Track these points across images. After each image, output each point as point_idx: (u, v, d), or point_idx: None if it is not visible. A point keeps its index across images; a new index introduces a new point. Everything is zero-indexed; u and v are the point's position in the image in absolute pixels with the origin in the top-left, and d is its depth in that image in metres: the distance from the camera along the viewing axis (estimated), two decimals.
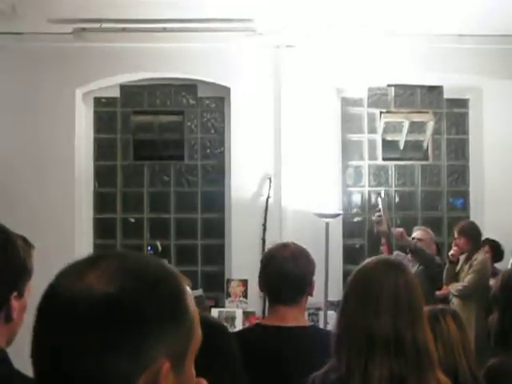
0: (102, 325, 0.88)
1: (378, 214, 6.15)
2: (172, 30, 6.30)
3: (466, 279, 5.84)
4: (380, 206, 6.18)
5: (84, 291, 0.90)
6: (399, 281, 2.07)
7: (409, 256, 5.86)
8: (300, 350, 2.51)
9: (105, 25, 6.22)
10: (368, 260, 2.25)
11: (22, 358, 1.71)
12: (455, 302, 5.78)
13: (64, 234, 6.47)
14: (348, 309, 2.10)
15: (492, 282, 5.94)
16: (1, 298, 1.59)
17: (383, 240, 5.97)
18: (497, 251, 6.36)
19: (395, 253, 6.04)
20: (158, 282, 0.94)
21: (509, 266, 5.94)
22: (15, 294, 1.61)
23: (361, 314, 2.04)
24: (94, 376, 0.88)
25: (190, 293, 0.98)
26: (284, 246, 2.62)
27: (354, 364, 2.01)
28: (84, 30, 6.36)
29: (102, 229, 7.03)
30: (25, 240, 1.72)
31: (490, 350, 2.82)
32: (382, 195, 6.56)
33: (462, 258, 6.13)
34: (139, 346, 0.89)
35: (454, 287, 5.87)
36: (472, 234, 5.99)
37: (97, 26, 6.23)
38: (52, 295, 0.93)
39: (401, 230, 5.92)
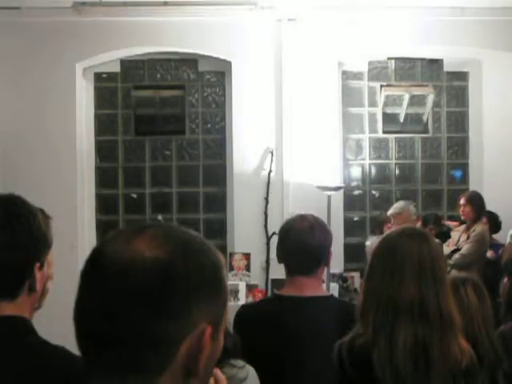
0: (152, 289, 0.91)
1: None
2: (173, 4, 6.26)
3: (464, 248, 5.90)
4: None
5: (134, 256, 0.93)
6: (423, 249, 2.12)
7: None
8: (319, 319, 2.56)
9: None
10: (393, 229, 2.30)
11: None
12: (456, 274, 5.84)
13: (66, 211, 6.45)
14: (373, 276, 2.16)
15: (489, 253, 6.03)
16: (26, 268, 1.62)
17: None
18: (494, 223, 6.42)
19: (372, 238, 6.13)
20: (203, 252, 0.98)
21: (508, 238, 6.01)
22: (38, 264, 1.63)
23: (386, 280, 2.10)
24: (143, 338, 0.91)
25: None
26: (302, 218, 2.64)
27: (380, 328, 2.07)
28: (84, 4, 6.32)
29: (104, 204, 7.04)
30: (43, 212, 1.74)
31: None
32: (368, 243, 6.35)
33: (461, 229, 6.19)
34: (186, 310, 0.93)
35: (452, 258, 5.93)
36: (478, 204, 6.07)
37: (97, 0, 6.19)
38: (99, 260, 0.96)
39: None
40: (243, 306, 2.80)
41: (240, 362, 2.13)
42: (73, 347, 1.65)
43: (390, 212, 6.14)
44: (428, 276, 2.11)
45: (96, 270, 0.95)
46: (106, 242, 0.98)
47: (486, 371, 2.37)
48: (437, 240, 5.93)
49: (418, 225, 6.32)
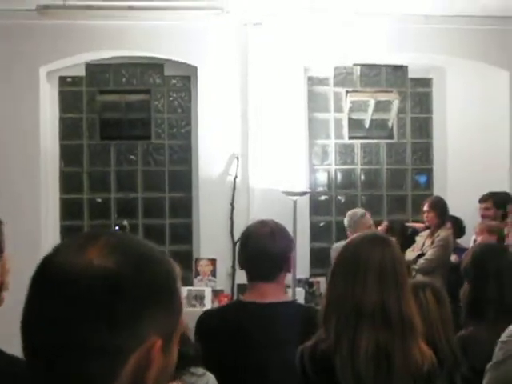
0: (101, 299, 0.89)
1: None
2: (138, 8, 6.22)
3: (428, 253, 5.96)
4: None
5: (84, 265, 0.91)
6: (385, 254, 2.14)
7: None
8: (280, 325, 2.55)
9: (69, 2, 6.11)
10: (356, 235, 2.32)
11: None
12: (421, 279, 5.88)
13: (30, 215, 6.39)
14: (336, 281, 2.16)
15: (453, 257, 6.09)
16: None
17: None
18: (459, 227, 6.50)
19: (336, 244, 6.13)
20: (156, 262, 0.96)
21: (471, 243, 6.08)
22: None
23: (348, 286, 2.11)
24: (89, 349, 0.89)
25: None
26: (262, 224, 2.64)
27: (343, 333, 2.08)
28: (48, 6, 6.24)
29: (69, 209, 6.96)
30: None
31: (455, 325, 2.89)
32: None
33: (425, 234, 6.25)
34: (135, 322, 0.91)
35: (417, 263, 5.98)
36: (441, 209, 6.14)
37: (61, 3, 6.12)
38: (49, 268, 0.94)
39: None
40: (204, 313, 2.78)
41: (200, 370, 2.12)
42: None
43: (347, 223, 6.12)
44: (390, 281, 2.13)
45: (44, 278, 0.94)
46: (57, 250, 0.96)
47: (445, 375, 2.39)
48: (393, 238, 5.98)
49: (380, 228, 6.37)
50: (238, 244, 2.80)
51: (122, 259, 0.92)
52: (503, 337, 2.00)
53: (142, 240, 1.00)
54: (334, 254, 6.03)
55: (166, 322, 0.95)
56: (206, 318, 2.66)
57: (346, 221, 6.15)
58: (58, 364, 0.90)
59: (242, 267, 2.67)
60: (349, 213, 6.19)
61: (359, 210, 6.26)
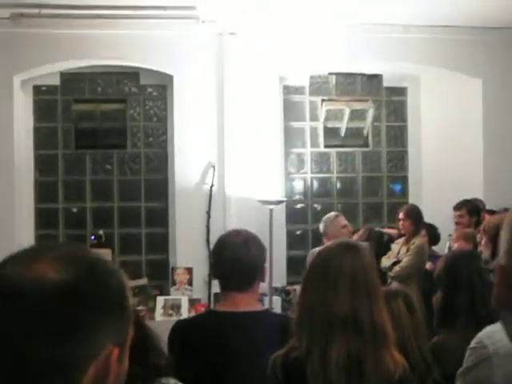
0: (56, 312, 0.89)
1: None
2: (114, 17, 6.20)
3: (404, 261, 6.00)
4: None
5: (35, 279, 0.90)
6: (356, 263, 2.15)
7: None
8: (254, 334, 2.55)
9: (44, 10, 6.08)
10: (328, 243, 2.33)
11: None
12: (394, 286, 5.91)
13: (4, 225, 6.33)
14: (308, 290, 2.17)
15: (428, 264, 6.14)
16: None
17: None
18: (433, 235, 6.55)
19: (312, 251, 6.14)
20: (108, 273, 0.97)
21: (445, 250, 6.13)
22: None
23: (320, 293, 2.12)
24: (47, 363, 0.88)
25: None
26: (236, 233, 2.64)
27: (314, 342, 2.08)
28: (22, 15, 6.20)
29: (44, 219, 6.91)
30: None
31: (429, 332, 2.91)
32: None
33: (400, 241, 6.29)
34: (91, 332, 0.91)
35: (393, 270, 6.02)
36: (416, 217, 6.18)
37: (36, 11, 6.09)
38: None
39: None
40: (178, 322, 2.77)
41: (171, 381, 2.10)
42: None
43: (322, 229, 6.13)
44: (361, 290, 2.13)
45: None
46: (4, 263, 0.94)
47: (416, 382, 2.40)
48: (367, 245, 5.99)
49: (355, 237, 6.36)
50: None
51: (74, 270, 0.92)
52: (472, 343, 2.01)
53: (90, 250, 1.01)
54: (310, 259, 6.03)
55: (120, 330, 0.96)
56: (179, 328, 2.65)
57: (320, 227, 6.16)
58: (13, 380, 0.89)
59: (215, 277, 2.67)
60: (323, 218, 6.20)
61: (332, 213, 6.28)
